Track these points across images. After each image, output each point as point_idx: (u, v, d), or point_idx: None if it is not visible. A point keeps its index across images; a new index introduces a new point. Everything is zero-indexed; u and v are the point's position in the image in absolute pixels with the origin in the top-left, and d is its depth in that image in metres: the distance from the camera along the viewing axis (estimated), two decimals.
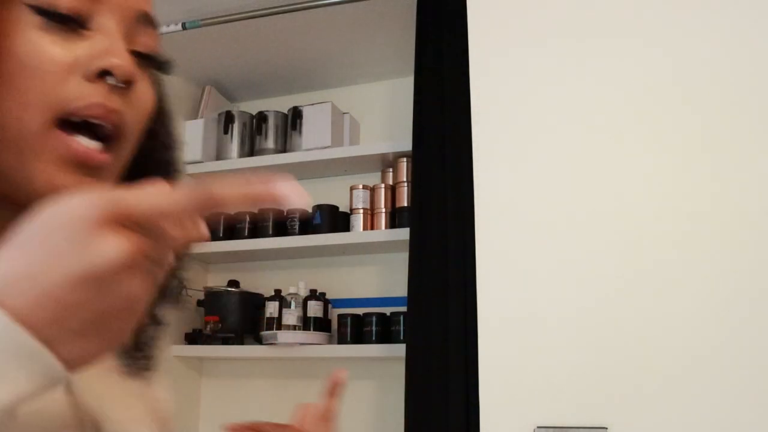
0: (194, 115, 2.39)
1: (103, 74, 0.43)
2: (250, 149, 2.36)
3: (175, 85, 2.33)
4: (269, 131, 2.34)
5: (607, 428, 1.20)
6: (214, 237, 2.15)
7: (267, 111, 2.37)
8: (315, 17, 1.99)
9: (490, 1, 1.50)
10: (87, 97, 0.43)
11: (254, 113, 2.39)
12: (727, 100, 1.29)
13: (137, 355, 0.52)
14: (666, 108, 1.33)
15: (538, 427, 1.22)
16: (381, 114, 2.35)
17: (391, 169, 2.13)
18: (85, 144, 0.43)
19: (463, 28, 1.52)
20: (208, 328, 2.11)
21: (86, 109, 0.43)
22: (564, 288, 1.30)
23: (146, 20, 0.49)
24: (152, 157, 0.53)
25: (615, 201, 1.31)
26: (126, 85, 0.44)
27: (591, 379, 1.24)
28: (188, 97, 2.40)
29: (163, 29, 1.97)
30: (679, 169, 1.29)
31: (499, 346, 1.30)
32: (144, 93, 0.48)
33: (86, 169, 0.44)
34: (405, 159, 2.07)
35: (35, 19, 0.42)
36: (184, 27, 1.95)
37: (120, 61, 0.44)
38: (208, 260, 2.37)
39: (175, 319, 2.13)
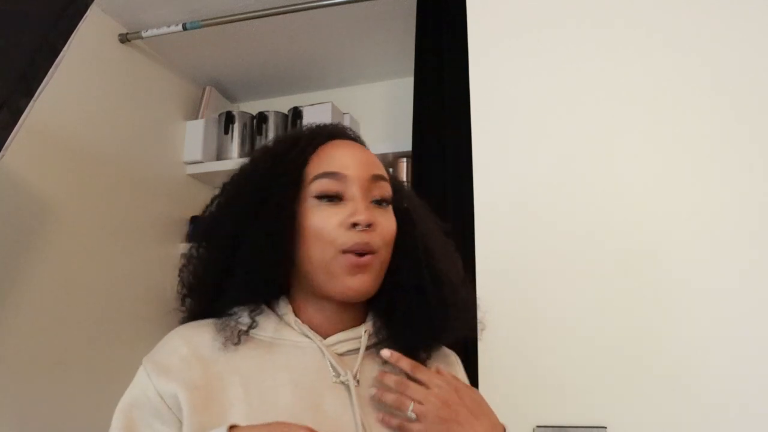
0: (195, 115, 2.39)
1: (354, 225, 0.77)
2: (251, 149, 2.35)
3: (175, 85, 2.33)
4: (269, 131, 2.35)
5: (606, 428, 1.20)
6: None
7: (267, 111, 2.37)
8: (315, 17, 2.00)
9: (490, 1, 1.51)
10: (350, 239, 0.77)
11: (254, 113, 2.40)
12: (731, 93, 1.30)
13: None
14: (669, 103, 1.33)
15: (538, 427, 1.23)
16: (381, 114, 2.35)
17: (391, 170, 2.13)
18: (357, 258, 0.77)
19: (463, 28, 1.52)
20: None
21: (352, 246, 0.77)
22: (564, 287, 1.30)
23: (377, 178, 0.82)
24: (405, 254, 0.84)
25: (616, 200, 1.31)
26: (368, 227, 0.77)
27: (590, 379, 1.24)
28: (189, 97, 2.40)
29: (164, 30, 1.98)
30: (681, 165, 1.29)
31: (499, 346, 1.30)
32: (384, 225, 0.81)
33: (361, 270, 0.77)
34: (405, 159, 2.07)
35: (316, 202, 0.79)
36: (184, 28, 1.96)
37: (361, 216, 0.77)
38: None
39: None
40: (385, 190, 0.83)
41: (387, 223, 0.81)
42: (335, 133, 0.87)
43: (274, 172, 0.82)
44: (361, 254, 0.77)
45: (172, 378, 0.73)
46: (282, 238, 0.78)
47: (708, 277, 1.23)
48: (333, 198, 0.79)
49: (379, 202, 0.82)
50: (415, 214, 0.88)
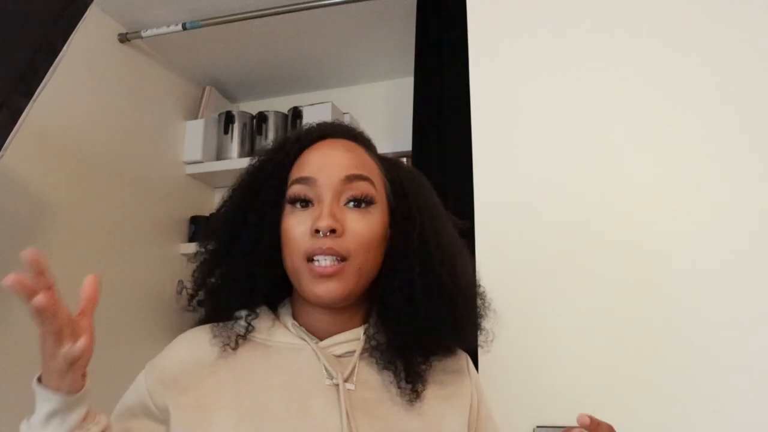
0: (194, 115, 2.39)
1: (317, 231, 0.75)
2: (251, 149, 2.36)
3: (175, 85, 2.33)
4: (269, 131, 2.35)
5: None
6: None
7: (267, 111, 2.37)
8: (315, 17, 2.00)
9: (490, 1, 1.51)
10: (311, 245, 0.75)
11: (254, 113, 2.40)
12: (732, 93, 1.30)
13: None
14: (669, 103, 1.33)
15: (538, 427, 1.23)
16: (381, 114, 2.35)
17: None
18: (322, 264, 0.75)
19: (463, 28, 1.52)
20: None
21: (313, 251, 0.75)
22: (564, 287, 1.30)
23: (352, 178, 0.78)
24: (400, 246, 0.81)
25: (618, 201, 1.31)
26: (332, 232, 0.75)
27: (591, 379, 1.24)
28: (188, 97, 2.40)
29: (164, 29, 1.98)
30: (681, 164, 1.29)
31: (499, 346, 1.30)
32: (358, 228, 0.77)
33: (327, 277, 0.75)
34: (405, 159, 2.07)
35: (290, 208, 0.79)
36: (184, 27, 1.96)
37: (323, 222, 0.75)
38: None
39: None
40: (363, 189, 0.78)
41: (363, 225, 0.77)
42: (326, 132, 0.84)
43: (260, 177, 0.82)
44: (325, 262, 0.75)
45: (167, 387, 0.76)
46: (263, 243, 0.78)
47: (710, 276, 1.23)
48: (306, 203, 0.78)
49: (358, 203, 0.78)
50: (420, 214, 0.83)
